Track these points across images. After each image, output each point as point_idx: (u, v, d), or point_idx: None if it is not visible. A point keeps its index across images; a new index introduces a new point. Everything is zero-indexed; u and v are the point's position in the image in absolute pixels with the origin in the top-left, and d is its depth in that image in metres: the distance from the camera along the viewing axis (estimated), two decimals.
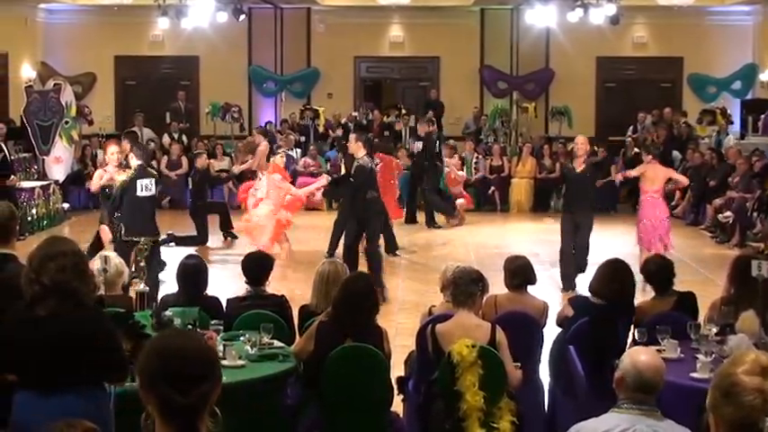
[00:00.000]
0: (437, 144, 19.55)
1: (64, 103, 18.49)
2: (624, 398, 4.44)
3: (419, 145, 19.42)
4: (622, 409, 4.39)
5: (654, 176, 13.96)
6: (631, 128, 23.97)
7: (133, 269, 10.54)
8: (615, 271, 7.74)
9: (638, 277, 8.16)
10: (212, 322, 7.11)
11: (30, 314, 5.07)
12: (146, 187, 11.56)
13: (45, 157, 18.80)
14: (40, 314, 5.04)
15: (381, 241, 14.58)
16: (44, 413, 4.87)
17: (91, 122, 23.06)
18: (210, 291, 8.10)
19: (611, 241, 15.60)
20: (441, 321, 6.90)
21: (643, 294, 8.41)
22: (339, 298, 6.67)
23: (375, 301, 6.81)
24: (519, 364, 6.84)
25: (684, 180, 15.86)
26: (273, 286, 8.47)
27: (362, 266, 12.55)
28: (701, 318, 7.49)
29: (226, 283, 11.78)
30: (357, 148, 13.22)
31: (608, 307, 7.48)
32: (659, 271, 7.90)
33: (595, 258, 11.18)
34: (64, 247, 5.21)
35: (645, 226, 13.97)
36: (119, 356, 5.21)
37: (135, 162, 11.69)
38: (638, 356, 4.56)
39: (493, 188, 22.30)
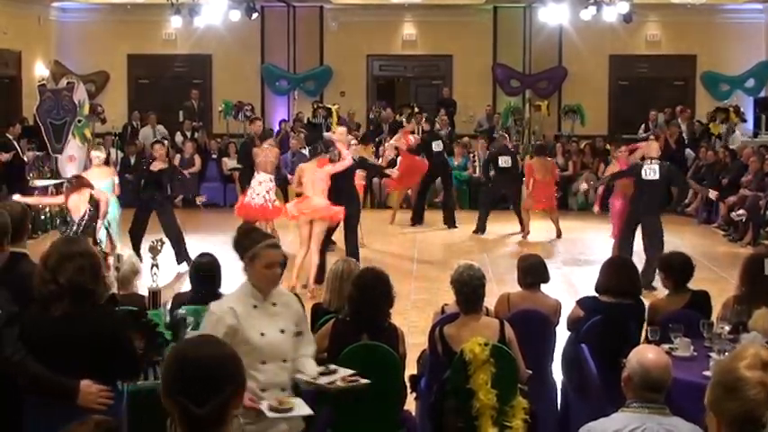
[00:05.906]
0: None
1: (77, 102, 18.49)
2: (632, 397, 4.43)
3: (439, 144, 19.42)
4: (631, 409, 4.39)
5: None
6: (643, 126, 23.89)
7: None
8: (620, 267, 7.74)
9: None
10: None
11: (44, 314, 5.08)
12: None
13: (58, 156, 18.82)
14: (54, 314, 5.05)
15: None
16: (57, 412, 4.89)
17: (104, 121, 23.08)
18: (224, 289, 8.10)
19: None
20: (450, 321, 6.89)
21: (653, 294, 8.39)
22: (356, 296, 6.62)
23: (391, 296, 6.75)
24: (531, 372, 6.82)
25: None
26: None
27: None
28: (714, 316, 7.47)
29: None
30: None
31: (618, 305, 7.47)
32: (682, 266, 7.83)
33: (601, 257, 11.14)
34: (80, 248, 5.23)
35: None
36: (130, 355, 5.23)
37: None
38: (644, 355, 4.54)
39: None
